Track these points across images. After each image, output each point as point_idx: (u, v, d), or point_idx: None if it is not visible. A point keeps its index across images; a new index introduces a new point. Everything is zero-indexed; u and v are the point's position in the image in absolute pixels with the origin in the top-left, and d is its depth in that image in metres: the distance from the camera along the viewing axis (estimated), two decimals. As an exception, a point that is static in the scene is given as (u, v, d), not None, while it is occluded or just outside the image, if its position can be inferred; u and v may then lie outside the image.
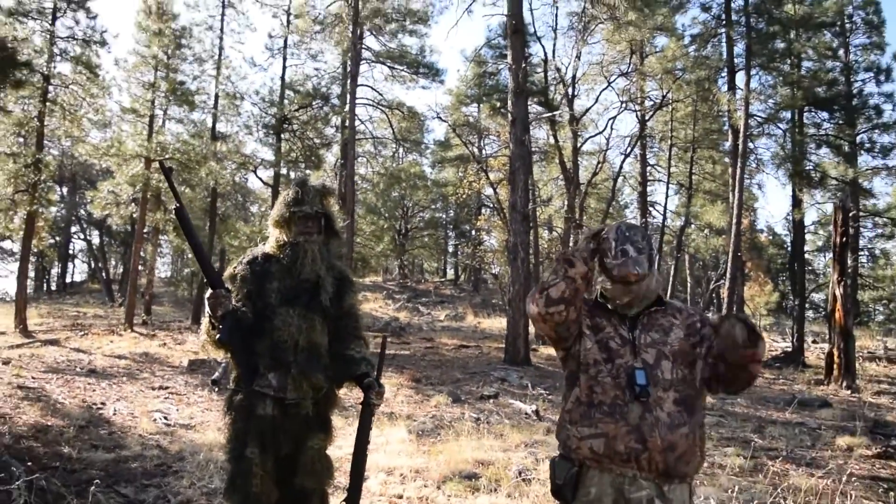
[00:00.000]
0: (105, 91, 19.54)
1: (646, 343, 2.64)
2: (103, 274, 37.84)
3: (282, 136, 22.41)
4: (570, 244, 23.41)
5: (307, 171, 22.72)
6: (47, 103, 18.11)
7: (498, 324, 25.75)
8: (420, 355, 16.60)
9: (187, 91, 20.53)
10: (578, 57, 22.39)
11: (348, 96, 21.37)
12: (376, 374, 3.67)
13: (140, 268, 22.61)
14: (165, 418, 8.23)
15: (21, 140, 18.76)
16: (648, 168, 27.54)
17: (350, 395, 9.36)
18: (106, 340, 16.42)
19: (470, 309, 30.54)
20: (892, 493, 5.76)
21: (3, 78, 6.87)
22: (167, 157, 18.58)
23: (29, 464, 5.38)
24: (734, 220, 16.73)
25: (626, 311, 2.73)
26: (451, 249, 48.14)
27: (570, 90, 23.03)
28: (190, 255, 28.66)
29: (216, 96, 21.95)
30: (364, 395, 3.67)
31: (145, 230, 21.54)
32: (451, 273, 48.65)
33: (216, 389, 10.33)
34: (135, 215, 21.17)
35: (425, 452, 6.94)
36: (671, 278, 29.51)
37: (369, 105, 24.27)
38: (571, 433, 2.66)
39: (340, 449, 5.17)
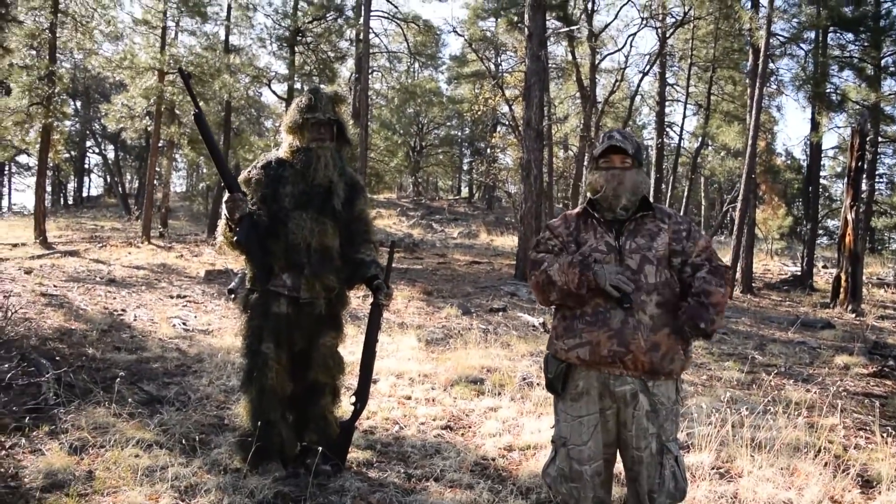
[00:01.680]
0: (116, 2, 19.33)
1: (631, 249, 2.77)
2: (119, 188, 38.18)
3: (295, 48, 22.16)
4: (586, 162, 23.34)
5: (321, 85, 22.51)
6: (59, 14, 17.93)
7: (510, 241, 25.92)
8: (432, 270, 16.85)
9: (199, 2, 20.21)
10: (599, -30, 21.79)
11: (363, 8, 20.99)
12: (384, 277, 3.85)
13: (155, 182, 22.78)
14: (184, 324, 8.52)
15: (34, 52, 18.65)
16: (667, 87, 27.13)
17: (363, 305, 9.63)
18: (124, 252, 16.74)
19: (483, 226, 30.70)
20: (878, 406, 5.96)
21: (15, -14, 6.85)
22: (184, 68, 18.48)
23: (57, 359, 5.66)
24: (750, 142, 16.53)
25: (613, 211, 2.83)
26: (465, 167, 47.98)
27: (589, 5, 22.54)
28: (206, 169, 28.82)
29: (228, 7, 21.65)
30: (373, 295, 3.86)
31: (160, 144, 21.61)
32: (465, 191, 48.63)
33: (233, 298, 10.61)
34: (149, 129, 21.21)
35: (434, 359, 7.19)
36: (685, 199, 29.45)
37: (384, 18, 23.82)
38: (559, 346, 2.85)
39: (353, 354, 5.40)
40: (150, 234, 19.63)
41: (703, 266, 2.77)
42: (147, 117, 20.65)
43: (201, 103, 20.91)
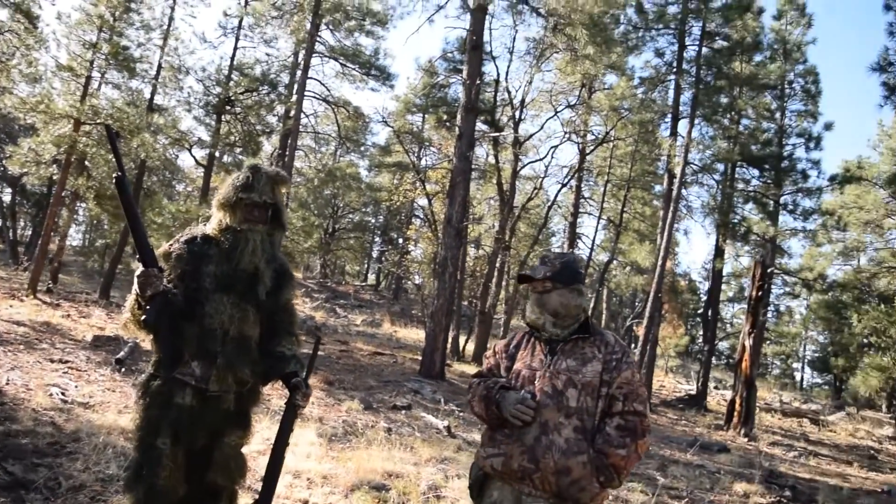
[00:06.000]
0: (42, 44, 18.62)
1: (559, 369, 2.80)
2: (11, 233, 36.06)
3: (223, 117, 21.82)
4: (498, 264, 23.57)
5: (242, 157, 22.20)
6: (-24, 46, 17.19)
7: (414, 334, 25.64)
8: (335, 358, 16.32)
9: (130, 57, 19.69)
10: (530, 82, 22.63)
11: (296, 86, 20.99)
12: (305, 375, 3.53)
13: (52, 233, 21.58)
14: (63, 394, 7.78)
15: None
16: (582, 200, 28.02)
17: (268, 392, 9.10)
18: (5, 304, 15.54)
19: (388, 316, 30.37)
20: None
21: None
22: (98, 121, 17.84)
23: None
24: (660, 262, 17.12)
25: (544, 329, 2.90)
26: (375, 254, 47.91)
27: (517, 113, 23.21)
28: (108, 226, 27.63)
29: (159, 66, 21.20)
30: (290, 394, 3.52)
31: (64, 194, 20.58)
32: (372, 278, 48.38)
33: (120, 369, 9.88)
34: (55, 177, 20.22)
35: (334, 458, 6.77)
36: (590, 310, 30.01)
37: (315, 98, 23.89)
38: (480, 453, 2.91)
39: (247, 445, 4.97)
40: (38, 288, 18.38)
41: (617, 401, 2.77)
42: (54, 165, 19.73)
43: (114, 159, 20.17)
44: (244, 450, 3.66)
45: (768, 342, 37.17)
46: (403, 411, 10.82)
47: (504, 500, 2.78)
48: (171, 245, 3.47)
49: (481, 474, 2.88)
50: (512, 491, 2.76)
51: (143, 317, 3.21)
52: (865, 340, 21.58)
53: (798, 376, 46.66)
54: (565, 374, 2.76)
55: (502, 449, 2.76)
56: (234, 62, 22.43)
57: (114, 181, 3.29)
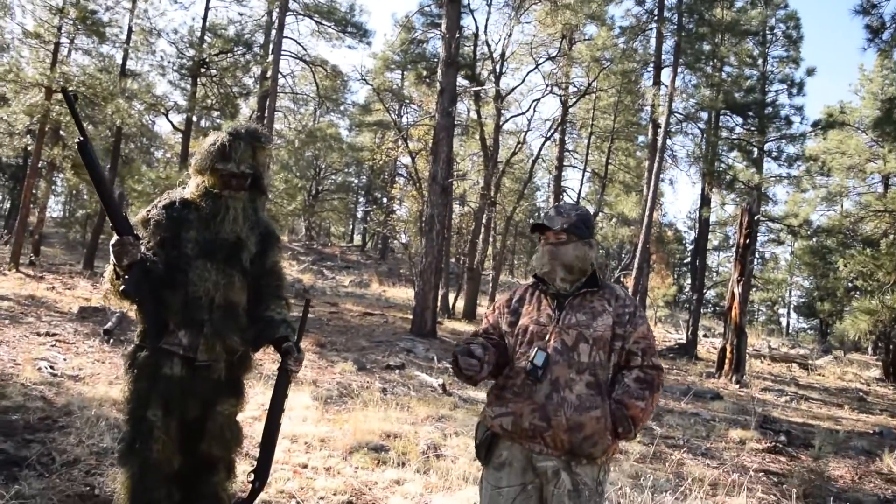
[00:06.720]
0: (6, 11, 18.12)
1: (568, 324, 2.73)
2: (-11, 207, 35.52)
3: (198, 80, 21.37)
4: (484, 220, 23.47)
5: (220, 121, 21.80)
6: (-62, 17, 16.69)
7: (403, 294, 25.62)
8: (325, 320, 16.26)
9: (98, 21, 19.13)
10: (510, 35, 22.27)
11: (271, 45, 20.55)
12: (296, 339, 3.41)
13: (31, 205, 21.22)
14: (52, 367, 7.67)
15: None
16: (566, 153, 27.84)
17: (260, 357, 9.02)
18: (-12, 278, 15.34)
19: (375, 276, 30.32)
20: (784, 486, 5.96)
21: None
22: (71, 88, 17.39)
23: None
24: (647, 213, 17.07)
25: (554, 283, 2.82)
26: (360, 215, 47.63)
27: (497, 67, 22.90)
28: (87, 196, 27.18)
29: (129, 30, 20.68)
30: (282, 360, 3.41)
31: (40, 165, 20.20)
32: (358, 239, 48.19)
33: (109, 340, 9.76)
34: (30, 148, 19.82)
35: (330, 421, 6.73)
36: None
37: (291, 58, 23.43)
38: (487, 413, 2.83)
39: (241, 412, 4.89)
40: (20, 262, 18.14)
41: (635, 356, 2.73)
42: (28, 136, 19.30)
43: (90, 127, 19.74)
44: (238, 417, 3.57)
45: (755, 289, 37.45)
46: (397, 371, 10.80)
47: (514, 459, 2.73)
48: (148, 211, 3.31)
49: (489, 434, 2.81)
50: (522, 450, 2.71)
51: (123, 287, 3.07)
52: (851, 284, 21.75)
53: (784, 322, 47.26)
54: (575, 328, 2.70)
55: (511, 408, 2.70)
56: (207, 23, 21.92)
57: (76, 147, 3.11)
